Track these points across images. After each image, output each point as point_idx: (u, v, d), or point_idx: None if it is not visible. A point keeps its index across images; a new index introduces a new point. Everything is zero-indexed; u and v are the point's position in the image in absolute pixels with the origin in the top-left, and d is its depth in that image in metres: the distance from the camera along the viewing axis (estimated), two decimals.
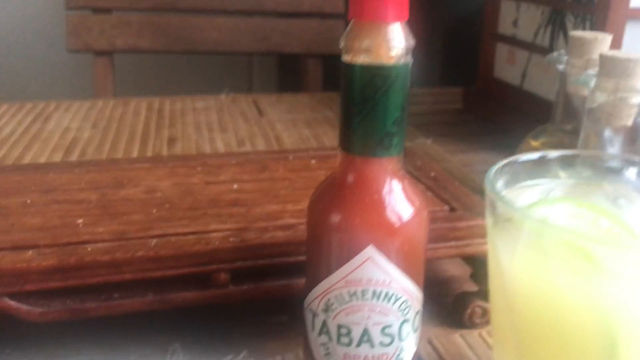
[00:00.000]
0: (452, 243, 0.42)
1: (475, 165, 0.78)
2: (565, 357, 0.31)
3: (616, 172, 0.38)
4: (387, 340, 0.33)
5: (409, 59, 0.30)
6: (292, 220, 0.42)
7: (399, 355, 0.33)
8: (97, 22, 1.30)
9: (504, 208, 0.31)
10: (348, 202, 0.31)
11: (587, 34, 0.59)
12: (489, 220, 0.33)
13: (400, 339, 0.33)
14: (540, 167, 0.36)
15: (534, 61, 0.87)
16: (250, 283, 0.39)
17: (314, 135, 0.86)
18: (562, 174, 0.37)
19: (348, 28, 0.30)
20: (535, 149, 0.66)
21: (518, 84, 0.91)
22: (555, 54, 0.63)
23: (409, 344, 0.34)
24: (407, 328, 0.33)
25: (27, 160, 0.73)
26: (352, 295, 0.32)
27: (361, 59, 0.30)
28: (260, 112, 0.97)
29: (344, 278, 0.32)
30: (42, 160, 0.73)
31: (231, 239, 0.39)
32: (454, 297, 0.46)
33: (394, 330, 0.33)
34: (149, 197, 0.45)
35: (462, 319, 0.44)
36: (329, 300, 0.32)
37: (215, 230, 0.40)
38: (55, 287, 0.36)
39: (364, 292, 0.32)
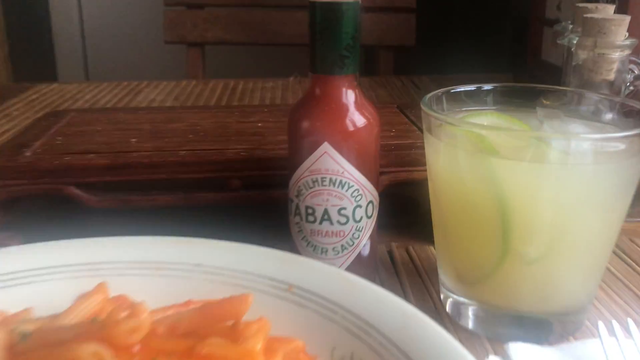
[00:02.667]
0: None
1: None
2: (472, 230, 0.39)
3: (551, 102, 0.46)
4: (343, 219, 0.42)
5: None
6: None
7: (353, 234, 0.43)
8: (190, 17, 1.46)
9: (430, 118, 0.39)
10: (312, 110, 0.41)
11: (590, 5, 0.65)
12: (425, 134, 0.41)
13: (355, 220, 0.42)
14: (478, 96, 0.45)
15: None
16: (258, 190, 0.50)
17: None
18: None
19: None
20: None
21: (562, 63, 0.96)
22: (562, 24, 0.70)
23: (364, 227, 0.43)
24: (360, 213, 0.42)
25: None
26: (315, 181, 0.42)
27: None
28: None
29: (308, 168, 0.42)
30: None
31: (242, 153, 0.50)
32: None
33: (349, 212, 0.42)
34: (190, 128, 0.57)
35: None
36: (299, 187, 0.42)
37: (232, 149, 0.51)
38: (109, 181, 0.48)
39: (322, 179, 0.41)
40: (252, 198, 0.50)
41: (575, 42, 0.57)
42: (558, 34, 0.69)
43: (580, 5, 0.66)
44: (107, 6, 2.34)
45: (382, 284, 0.47)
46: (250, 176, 0.50)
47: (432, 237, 0.52)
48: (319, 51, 0.41)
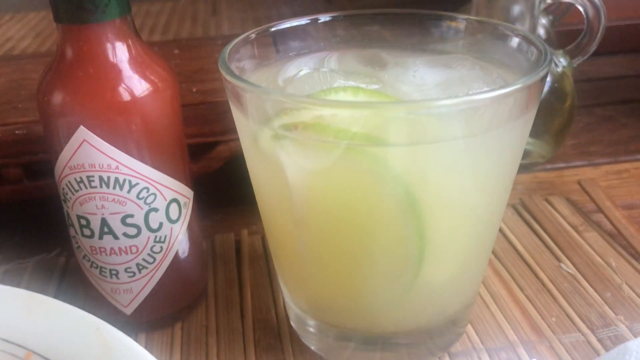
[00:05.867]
0: None
1: None
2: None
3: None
4: (131, 231, 0.30)
5: None
6: None
7: (152, 248, 0.30)
8: None
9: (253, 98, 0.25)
10: (61, 78, 0.28)
11: None
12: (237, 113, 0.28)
13: (150, 229, 0.30)
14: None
15: None
16: (48, 178, 0.37)
17: None
18: None
19: None
20: None
21: None
22: None
23: (168, 235, 0.31)
24: (158, 218, 0.30)
25: None
26: (80, 182, 0.29)
27: None
28: (214, 11, 0.92)
29: (67, 164, 0.29)
30: None
31: (17, 132, 0.36)
32: None
33: (139, 220, 0.30)
34: None
35: None
36: (63, 189, 0.30)
37: (8, 124, 0.37)
38: None
39: (90, 179, 0.28)
40: (41, 189, 0.37)
41: None
42: None
43: None
44: None
45: (216, 294, 0.35)
46: (33, 162, 0.36)
47: None
48: None
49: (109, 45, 0.28)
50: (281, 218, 0.27)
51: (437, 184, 0.24)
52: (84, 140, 0.28)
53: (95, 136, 0.28)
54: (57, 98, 0.28)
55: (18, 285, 0.37)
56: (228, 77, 0.25)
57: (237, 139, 0.38)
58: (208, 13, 0.92)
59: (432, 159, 0.24)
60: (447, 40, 0.32)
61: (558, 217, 0.40)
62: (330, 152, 0.23)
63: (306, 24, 0.32)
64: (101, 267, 0.31)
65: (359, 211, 0.24)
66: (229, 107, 0.39)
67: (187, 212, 0.32)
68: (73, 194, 0.29)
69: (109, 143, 0.28)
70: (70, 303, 0.35)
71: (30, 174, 0.37)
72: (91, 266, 0.31)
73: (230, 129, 0.38)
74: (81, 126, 0.27)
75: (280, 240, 0.29)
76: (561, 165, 0.48)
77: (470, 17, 0.31)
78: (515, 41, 0.29)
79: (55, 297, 0.35)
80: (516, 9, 0.47)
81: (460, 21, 0.32)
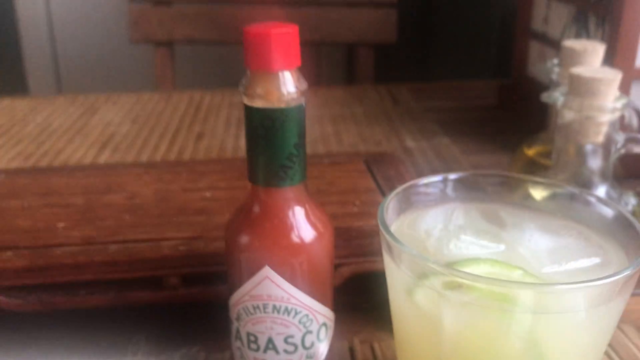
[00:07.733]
0: None
1: (486, 168, 0.78)
2: None
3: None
4: (290, 348, 0.36)
5: (302, 101, 0.33)
6: None
7: None
8: (156, 14, 1.38)
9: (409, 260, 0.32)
10: (251, 227, 0.35)
11: (577, 45, 0.59)
12: (391, 273, 0.34)
13: (305, 347, 0.37)
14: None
15: None
16: (199, 286, 0.44)
17: (334, 133, 0.90)
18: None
19: (246, 75, 0.34)
20: (528, 158, 0.67)
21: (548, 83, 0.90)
22: (549, 63, 0.63)
23: (316, 352, 0.37)
24: (311, 338, 0.37)
25: (66, 154, 0.81)
26: (256, 308, 0.36)
27: (256, 103, 0.33)
28: None
29: (248, 293, 0.36)
30: (79, 155, 0.81)
31: (180, 248, 0.44)
32: None
33: (297, 340, 0.36)
34: (128, 203, 0.50)
35: None
36: (239, 311, 0.37)
37: (170, 238, 0.45)
38: (28, 284, 0.42)
39: (265, 306, 0.35)
40: (193, 296, 0.44)
41: (560, 102, 0.51)
42: (546, 73, 0.63)
43: (567, 44, 0.60)
44: (76, 8, 2.17)
45: None
46: (190, 273, 0.44)
47: None
48: (257, 160, 0.34)
49: (289, 204, 0.35)
50: None
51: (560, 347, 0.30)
52: (267, 277, 0.35)
53: (277, 274, 0.35)
54: (246, 240, 0.35)
55: None
56: (388, 237, 0.32)
57: (359, 262, 0.45)
58: None
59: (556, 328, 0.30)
60: (547, 202, 0.39)
61: None
62: (494, 316, 0.30)
63: (439, 181, 0.39)
64: None
65: None
66: (354, 234, 0.46)
67: (330, 332, 0.38)
68: (247, 316, 0.36)
69: (285, 279, 0.35)
70: None
71: (185, 282, 0.44)
72: None
73: (352, 253, 0.45)
74: (266, 265, 0.34)
75: None
76: None
77: (569, 187, 0.38)
78: (611, 217, 0.36)
79: None
80: (589, 148, 0.54)
81: (560, 189, 0.39)
